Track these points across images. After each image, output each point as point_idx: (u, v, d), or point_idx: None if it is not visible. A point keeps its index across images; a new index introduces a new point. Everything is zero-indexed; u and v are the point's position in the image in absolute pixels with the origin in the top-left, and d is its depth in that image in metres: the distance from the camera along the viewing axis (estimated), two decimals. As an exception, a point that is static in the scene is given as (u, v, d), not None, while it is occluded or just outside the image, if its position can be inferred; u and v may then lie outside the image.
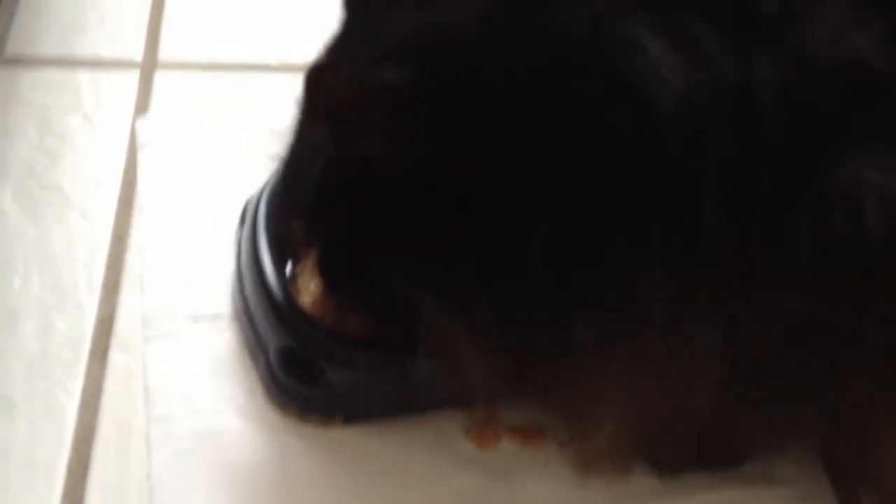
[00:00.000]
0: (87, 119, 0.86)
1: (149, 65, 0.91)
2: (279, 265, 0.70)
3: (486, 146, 0.51)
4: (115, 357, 0.71)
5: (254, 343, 0.70)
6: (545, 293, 0.52)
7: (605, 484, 0.64)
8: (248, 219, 0.74)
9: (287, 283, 0.70)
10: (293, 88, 0.84)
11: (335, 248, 0.62)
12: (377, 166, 0.53)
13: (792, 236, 0.49)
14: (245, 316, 0.71)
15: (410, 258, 0.55)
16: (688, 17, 0.49)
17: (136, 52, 0.92)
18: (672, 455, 0.64)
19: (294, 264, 0.72)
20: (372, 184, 0.54)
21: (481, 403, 0.65)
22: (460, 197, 0.52)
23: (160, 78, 0.90)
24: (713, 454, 0.65)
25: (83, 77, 0.89)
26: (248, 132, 0.85)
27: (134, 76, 0.89)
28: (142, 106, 0.87)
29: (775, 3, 0.49)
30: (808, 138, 0.48)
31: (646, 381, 0.56)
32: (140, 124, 0.85)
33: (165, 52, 0.92)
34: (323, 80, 0.53)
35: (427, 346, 0.59)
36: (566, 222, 0.51)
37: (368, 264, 0.58)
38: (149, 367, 0.70)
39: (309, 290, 0.71)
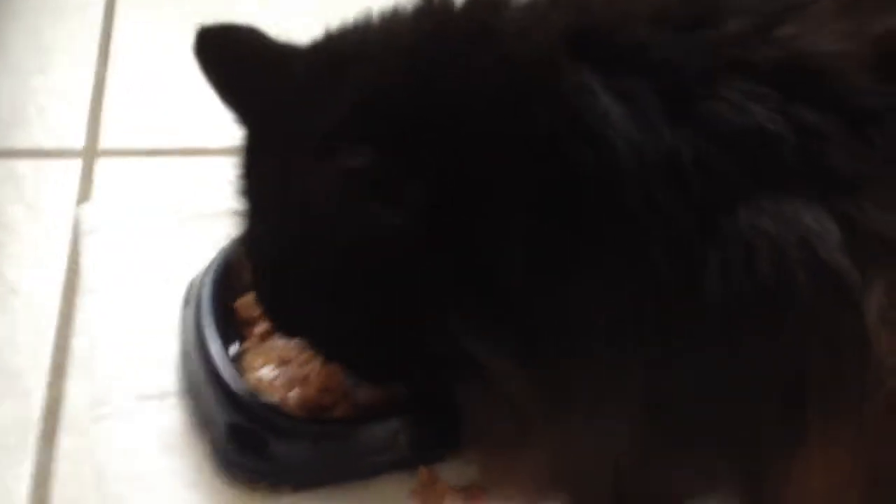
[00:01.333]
0: (29, 208, 0.88)
1: (90, 153, 0.93)
2: (224, 344, 0.72)
3: (463, 196, 0.54)
4: (64, 438, 0.72)
5: (201, 419, 0.72)
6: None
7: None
8: (192, 300, 0.76)
9: (232, 362, 0.72)
10: (231, 172, 0.88)
11: (350, 339, 0.63)
12: (363, 249, 0.55)
13: (703, 286, 0.52)
14: (192, 394, 0.73)
15: (434, 320, 0.57)
16: (627, 76, 0.53)
17: (77, 141, 0.94)
18: (595, 498, 0.66)
19: (240, 342, 0.75)
20: (369, 265, 0.56)
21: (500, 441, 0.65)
22: (460, 244, 0.54)
23: (101, 165, 0.92)
24: (636, 501, 0.67)
25: (25, 167, 0.91)
26: (188, 215, 0.87)
27: (76, 164, 0.92)
28: (84, 193, 0.89)
29: (694, 77, 0.53)
30: (715, 195, 0.52)
31: (572, 432, 0.59)
32: (83, 211, 0.87)
33: (105, 140, 0.94)
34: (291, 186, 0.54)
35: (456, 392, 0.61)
36: (538, 260, 0.54)
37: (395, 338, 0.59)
38: (99, 448, 0.71)
39: (254, 368, 0.73)
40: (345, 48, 0.59)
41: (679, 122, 0.53)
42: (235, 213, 0.67)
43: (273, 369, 0.73)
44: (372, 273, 0.57)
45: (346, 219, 0.55)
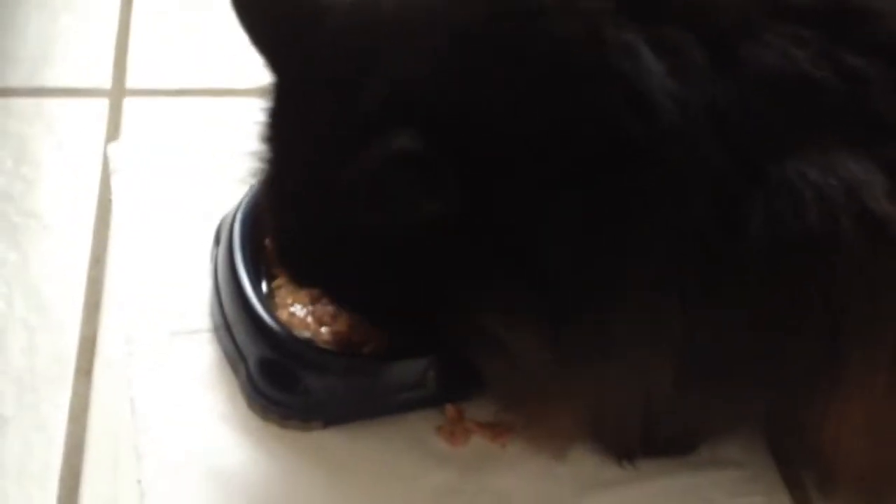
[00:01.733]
0: (60, 146, 0.89)
1: (117, 92, 0.94)
2: (256, 281, 0.74)
3: (506, 170, 0.54)
4: (100, 372, 0.74)
5: (234, 355, 0.74)
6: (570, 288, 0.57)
7: (570, 476, 0.69)
8: (223, 238, 0.78)
9: (264, 297, 0.74)
10: (258, 112, 0.89)
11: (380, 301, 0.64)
12: (418, 225, 0.56)
13: (747, 230, 0.54)
14: (225, 330, 0.75)
15: (469, 290, 0.58)
16: (668, 27, 0.54)
17: (104, 80, 0.95)
18: (629, 443, 0.69)
19: (269, 280, 0.76)
20: (418, 240, 0.57)
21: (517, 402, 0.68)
22: (499, 226, 0.55)
23: (129, 104, 0.93)
24: (667, 442, 0.70)
25: (54, 106, 0.92)
26: (216, 155, 0.88)
27: (103, 103, 0.93)
28: (112, 132, 0.91)
29: (737, 23, 0.54)
30: (761, 144, 0.54)
31: (608, 377, 0.61)
32: (112, 150, 0.89)
33: (132, 80, 0.96)
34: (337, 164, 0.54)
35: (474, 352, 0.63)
36: (589, 225, 0.55)
37: (428, 306, 0.60)
38: (133, 382, 0.74)
39: (286, 304, 0.75)
40: (385, 15, 0.58)
41: (723, 70, 0.54)
42: (259, 156, 0.67)
43: (304, 306, 0.74)
44: (403, 250, 0.58)
45: (387, 201, 0.55)
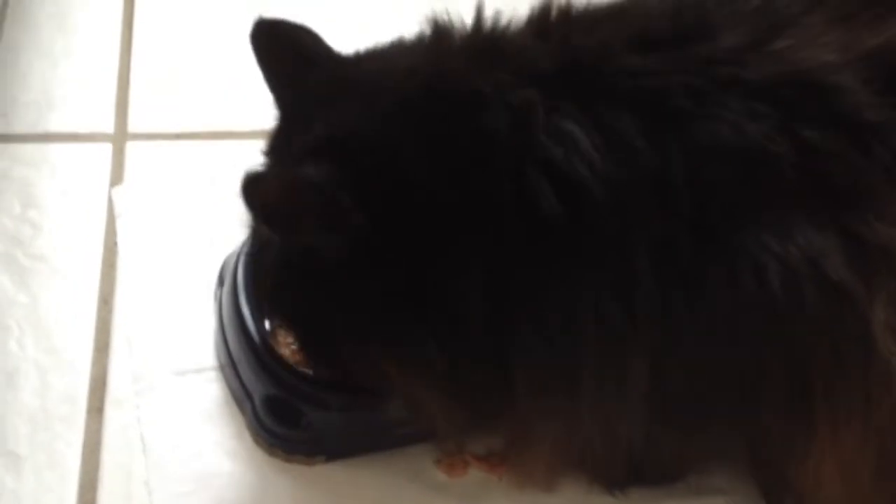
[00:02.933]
0: (65, 191, 0.92)
1: (120, 136, 0.97)
2: (259, 320, 0.77)
3: (414, 229, 0.59)
4: (111, 410, 0.77)
5: (239, 392, 0.77)
6: (487, 344, 0.60)
7: (564, 502, 0.72)
8: (227, 278, 0.81)
9: (267, 336, 0.77)
10: (258, 154, 0.92)
11: (297, 327, 0.70)
12: (320, 255, 0.61)
13: (707, 296, 0.57)
14: (230, 368, 0.78)
15: (365, 329, 0.63)
16: (606, 108, 0.57)
17: (107, 125, 0.98)
18: (616, 476, 0.72)
19: (272, 320, 0.79)
20: (320, 269, 0.62)
21: (447, 438, 0.72)
22: (400, 272, 0.60)
23: (131, 148, 0.96)
24: (648, 474, 0.73)
25: (58, 151, 0.95)
26: (217, 197, 0.91)
27: (106, 148, 0.96)
28: (116, 176, 0.93)
29: (687, 98, 0.57)
30: (715, 213, 0.57)
31: (579, 417, 0.64)
32: (116, 194, 0.92)
33: (134, 124, 0.98)
34: (255, 187, 0.59)
35: (394, 395, 0.67)
36: (502, 290, 0.59)
37: (327, 336, 0.66)
38: (142, 419, 0.77)
39: (287, 343, 0.78)
40: (355, 74, 0.64)
41: (670, 146, 0.57)
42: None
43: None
44: (314, 283, 0.63)
45: (287, 221, 0.60)
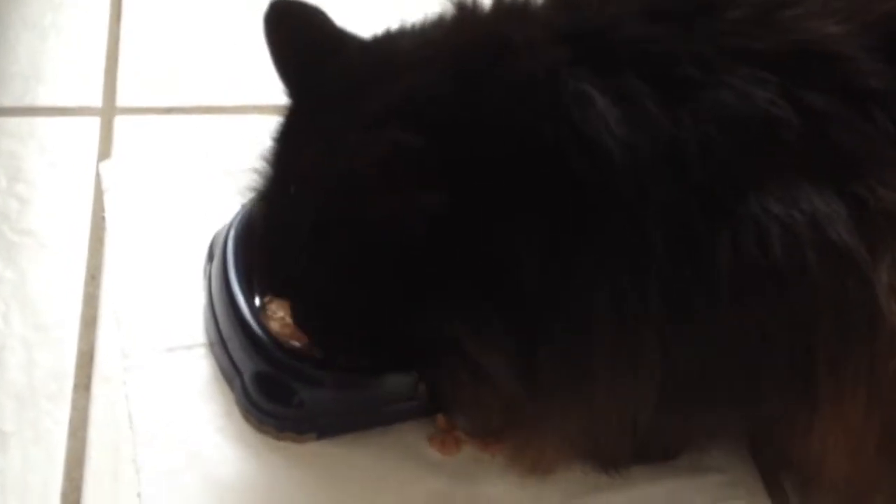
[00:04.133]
0: (53, 165, 0.91)
1: (108, 110, 0.96)
2: (249, 296, 0.76)
3: (481, 194, 0.57)
4: (98, 387, 0.76)
5: (229, 369, 0.76)
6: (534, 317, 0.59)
7: (558, 482, 0.71)
8: (217, 253, 0.80)
9: (258, 312, 0.76)
10: (248, 129, 0.92)
11: (322, 304, 0.67)
12: (395, 226, 0.59)
13: (713, 264, 0.56)
14: (219, 344, 0.77)
15: (436, 307, 0.61)
16: (623, 76, 0.57)
17: (95, 99, 0.97)
18: (619, 459, 0.71)
19: (262, 294, 0.78)
20: (390, 245, 0.60)
21: (479, 421, 0.71)
22: (471, 243, 0.58)
23: (120, 122, 0.95)
24: (650, 452, 0.72)
25: (46, 125, 0.94)
26: (206, 172, 0.91)
27: (94, 122, 0.95)
28: (104, 150, 0.92)
29: (695, 67, 0.57)
30: (722, 179, 0.56)
31: (593, 401, 0.63)
32: (104, 168, 0.90)
33: (123, 98, 0.97)
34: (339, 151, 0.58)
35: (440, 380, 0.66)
36: (549, 255, 0.58)
37: (387, 321, 0.63)
38: (131, 396, 0.76)
39: (277, 318, 0.77)
40: (395, 49, 0.64)
41: (680, 113, 0.56)
42: (256, 172, 0.70)
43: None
44: (387, 254, 0.61)
45: (383, 193, 0.58)
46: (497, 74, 0.59)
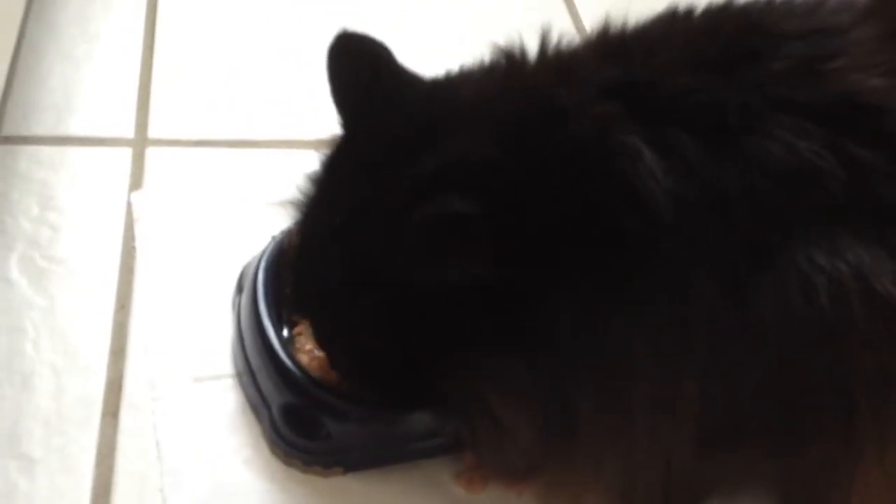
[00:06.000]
0: (84, 194, 0.91)
1: (140, 141, 0.97)
2: (278, 328, 0.77)
3: (523, 258, 0.58)
4: (126, 415, 0.76)
5: (257, 400, 0.76)
6: (570, 375, 0.60)
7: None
8: (247, 286, 0.81)
9: (287, 344, 0.76)
10: (278, 164, 0.93)
11: (356, 343, 0.66)
12: (442, 289, 0.59)
13: (757, 313, 0.56)
14: (248, 376, 0.77)
15: (462, 362, 0.61)
16: (669, 127, 0.58)
17: (127, 130, 0.98)
18: (648, 500, 0.69)
19: (291, 327, 0.79)
20: (426, 304, 0.60)
21: (506, 465, 0.70)
22: (511, 303, 0.58)
23: (151, 153, 0.96)
24: (683, 498, 0.70)
25: (78, 154, 0.95)
26: (236, 204, 0.91)
27: (126, 152, 0.95)
28: (136, 180, 0.93)
29: (740, 116, 0.57)
30: (767, 229, 0.56)
31: (634, 447, 0.63)
32: (135, 198, 0.91)
33: (155, 129, 0.98)
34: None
35: (464, 425, 0.66)
36: (589, 312, 0.58)
37: (422, 373, 0.63)
38: (158, 425, 0.76)
39: (306, 350, 0.77)
40: (451, 102, 0.64)
41: (725, 163, 0.57)
42: (288, 203, 0.70)
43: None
44: (421, 311, 0.61)
45: (427, 261, 0.58)
46: (547, 138, 0.59)
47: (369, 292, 0.62)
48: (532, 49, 0.64)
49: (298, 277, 0.69)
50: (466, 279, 0.58)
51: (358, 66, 0.66)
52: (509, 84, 0.63)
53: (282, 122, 0.98)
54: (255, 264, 0.81)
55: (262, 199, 0.90)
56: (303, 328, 0.79)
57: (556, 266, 0.58)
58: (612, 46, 0.64)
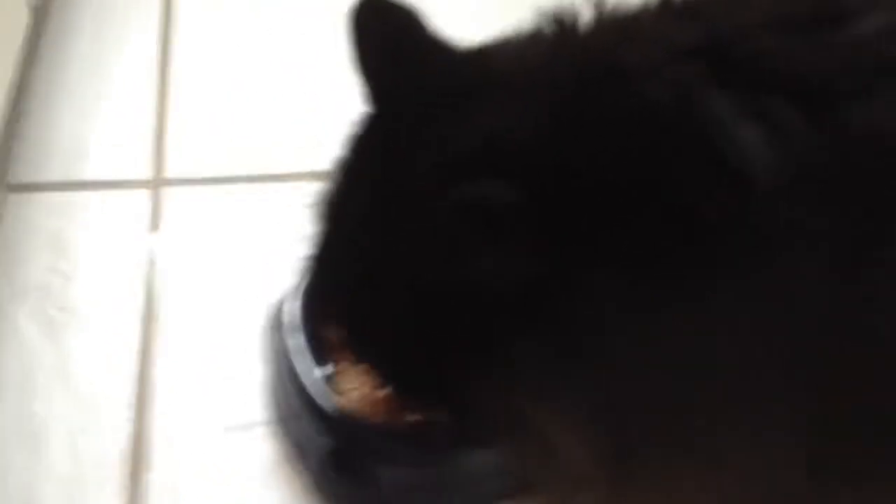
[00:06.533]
0: (99, 240, 0.85)
1: (156, 182, 0.90)
2: (316, 367, 0.69)
3: (583, 249, 0.49)
4: (150, 473, 0.69)
5: (297, 448, 0.68)
6: (644, 384, 0.51)
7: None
8: (276, 325, 0.73)
9: (326, 384, 0.68)
10: (297, 197, 0.86)
11: (397, 362, 0.58)
12: (480, 285, 0.51)
13: (871, 300, 0.48)
14: (285, 421, 0.69)
15: (500, 372, 0.53)
16: (761, 93, 0.49)
17: (142, 171, 0.91)
18: None
19: (333, 364, 0.71)
20: (474, 303, 0.52)
21: (563, 490, 0.61)
22: (558, 301, 0.50)
23: (167, 194, 0.89)
24: None
25: (91, 199, 0.88)
26: (258, 241, 0.84)
27: (141, 194, 0.89)
28: (154, 223, 0.86)
29: (833, 79, 0.49)
30: (877, 204, 0.49)
31: (707, 475, 0.54)
32: (153, 241, 0.84)
33: (170, 170, 0.92)
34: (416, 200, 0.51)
35: (518, 441, 0.57)
36: (652, 313, 0.50)
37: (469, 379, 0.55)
38: (184, 482, 0.68)
39: (349, 390, 0.69)
40: (489, 72, 0.56)
41: (830, 134, 0.49)
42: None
43: (372, 389, 0.69)
44: (458, 308, 0.52)
45: (459, 253, 0.51)
46: (609, 106, 0.51)
47: (397, 287, 0.54)
48: (585, 13, 0.56)
49: (322, 269, 0.61)
50: (505, 274, 0.50)
51: (384, 32, 0.58)
52: (560, 50, 0.55)
53: (301, 153, 0.92)
54: (284, 302, 0.73)
55: (287, 234, 0.83)
56: (343, 366, 0.71)
57: (614, 256, 0.50)
58: (681, 9, 0.55)
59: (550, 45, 0.55)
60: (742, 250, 0.49)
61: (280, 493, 0.68)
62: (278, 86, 1.00)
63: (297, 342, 0.70)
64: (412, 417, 0.67)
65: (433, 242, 0.51)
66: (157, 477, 0.69)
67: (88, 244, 0.84)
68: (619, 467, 0.54)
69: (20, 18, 0.99)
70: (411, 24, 0.57)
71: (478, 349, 0.53)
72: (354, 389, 0.69)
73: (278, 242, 0.84)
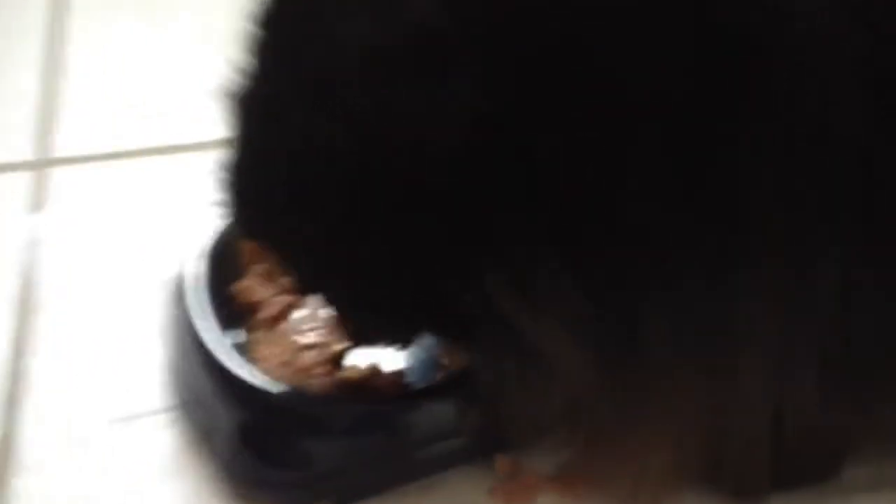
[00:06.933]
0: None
1: (41, 162, 0.79)
2: (225, 334, 0.57)
3: (557, 86, 0.40)
4: (25, 478, 0.56)
5: (204, 429, 0.57)
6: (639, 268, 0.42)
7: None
8: (178, 294, 0.61)
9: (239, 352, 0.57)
10: (193, 169, 0.75)
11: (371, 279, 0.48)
12: (425, 139, 0.42)
13: None
14: (190, 401, 0.58)
15: (470, 251, 0.43)
16: None
17: (25, 152, 0.80)
18: (755, 482, 0.52)
19: (245, 331, 0.60)
20: (409, 161, 0.42)
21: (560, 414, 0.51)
22: (535, 159, 0.41)
23: (55, 174, 0.78)
24: (801, 471, 0.53)
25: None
26: (148, 218, 0.74)
27: (24, 176, 0.78)
28: (37, 204, 0.75)
29: None
30: None
31: (724, 384, 0.46)
32: (35, 222, 0.73)
33: (59, 149, 0.81)
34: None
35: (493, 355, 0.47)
36: (662, 179, 0.41)
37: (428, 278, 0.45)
38: (68, 483, 0.56)
39: (266, 358, 0.58)
40: None
41: None
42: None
43: (294, 352, 0.58)
44: (405, 179, 0.43)
45: (402, 89, 0.41)
46: None
47: (335, 164, 0.44)
48: None
49: (245, 179, 0.49)
50: (449, 114, 0.41)
51: None
52: None
53: (194, 125, 0.81)
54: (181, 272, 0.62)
55: (182, 208, 0.72)
56: (260, 331, 0.60)
57: (622, 112, 0.40)
58: None
59: None
60: (773, 98, 0.41)
61: (180, 486, 0.56)
62: (166, 61, 0.90)
63: (202, 308, 0.58)
64: (345, 377, 0.56)
65: (360, 85, 0.42)
66: (27, 482, 0.56)
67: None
68: (620, 383, 0.45)
69: None
70: None
71: (434, 222, 0.43)
72: (273, 356, 0.58)
73: (174, 216, 0.73)
